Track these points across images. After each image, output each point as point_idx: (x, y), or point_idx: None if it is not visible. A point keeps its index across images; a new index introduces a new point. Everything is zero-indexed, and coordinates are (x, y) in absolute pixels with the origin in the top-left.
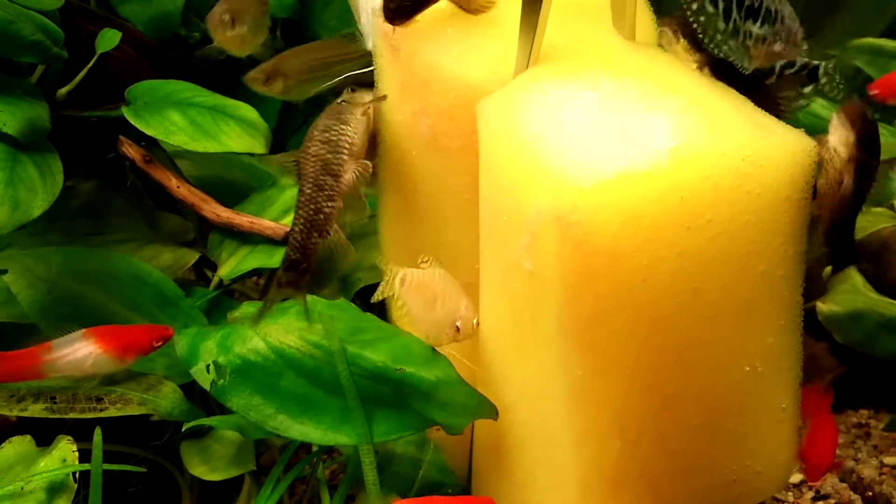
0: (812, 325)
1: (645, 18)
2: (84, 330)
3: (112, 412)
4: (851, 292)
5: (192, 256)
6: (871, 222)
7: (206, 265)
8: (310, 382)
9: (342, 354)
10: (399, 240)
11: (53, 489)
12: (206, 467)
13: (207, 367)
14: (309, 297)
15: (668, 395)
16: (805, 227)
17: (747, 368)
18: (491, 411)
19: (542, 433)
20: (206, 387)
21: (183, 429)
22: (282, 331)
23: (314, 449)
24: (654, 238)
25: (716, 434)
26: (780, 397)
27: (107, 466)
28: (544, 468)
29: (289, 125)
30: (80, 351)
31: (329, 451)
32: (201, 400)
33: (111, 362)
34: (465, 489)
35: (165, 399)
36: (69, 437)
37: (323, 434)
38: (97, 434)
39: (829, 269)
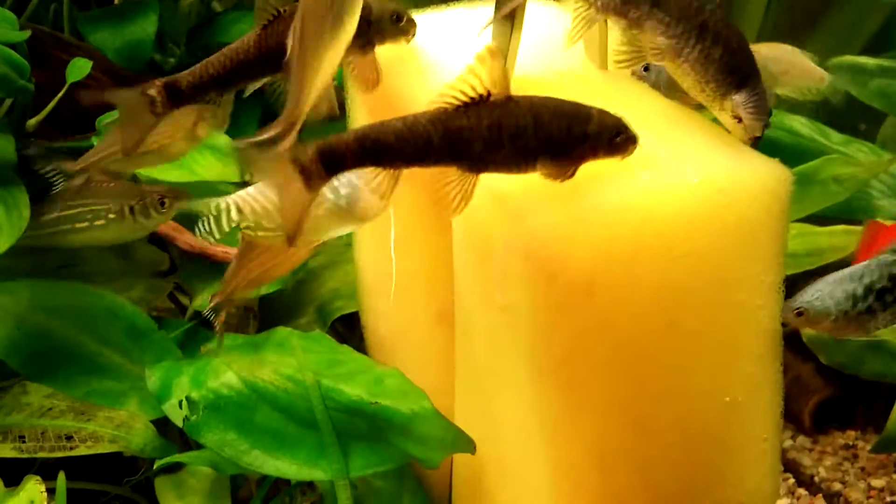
0: (798, 347)
1: None
2: None
3: (82, 450)
4: None
5: (166, 287)
6: (827, 240)
7: (184, 294)
8: (284, 417)
9: (317, 388)
10: (374, 268)
11: None
12: (181, 503)
13: (180, 402)
14: (284, 329)
15: (647, 427)
16: (783, 255)
17: (727, 399)
18: (468, 445)
19: (520, 467)
20: (179, 423)
21: (155, 466)
22: (255, 364)
23: (292, 482)
24: (630, 271)
25: (697, 465)
26: (761, 427)
27: None
28: (523, 502)
29: None
30: None
31: (309, 483)
32: (177, 431)
33: None
34: None
35: (137, 436)
36: (37, 478)
37: (298, 469)
38: (61, 478)
39: None
